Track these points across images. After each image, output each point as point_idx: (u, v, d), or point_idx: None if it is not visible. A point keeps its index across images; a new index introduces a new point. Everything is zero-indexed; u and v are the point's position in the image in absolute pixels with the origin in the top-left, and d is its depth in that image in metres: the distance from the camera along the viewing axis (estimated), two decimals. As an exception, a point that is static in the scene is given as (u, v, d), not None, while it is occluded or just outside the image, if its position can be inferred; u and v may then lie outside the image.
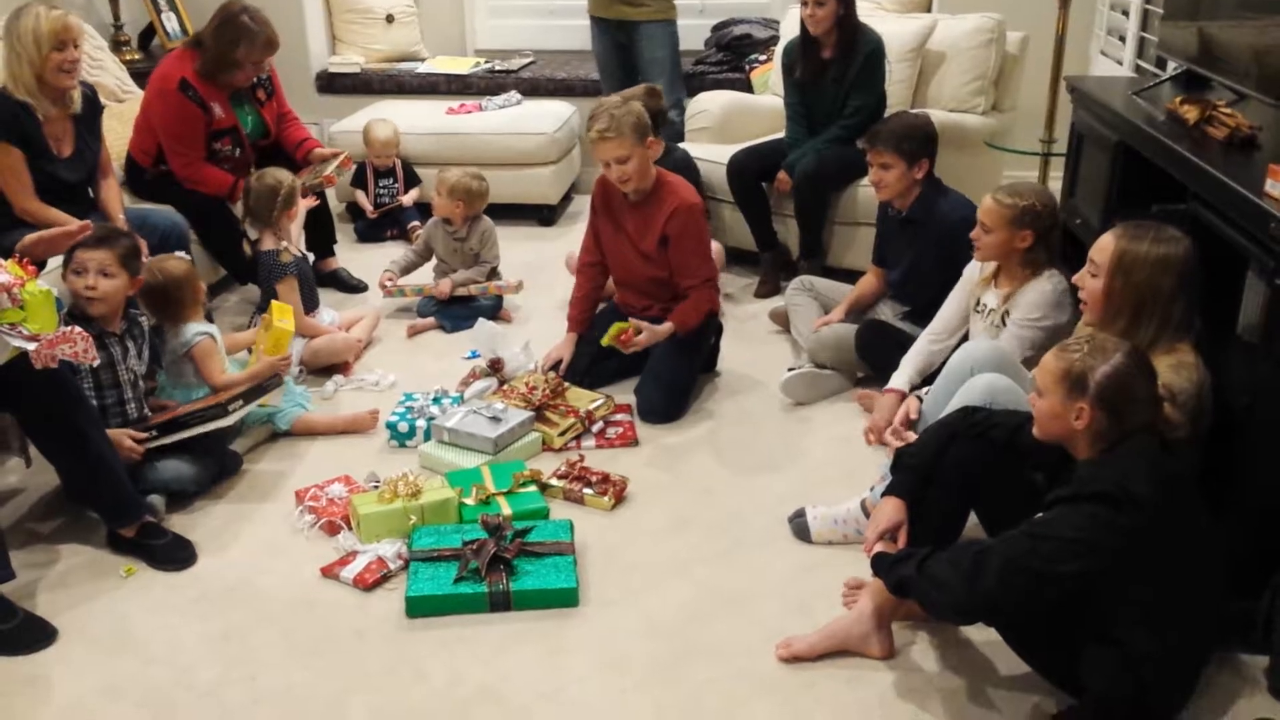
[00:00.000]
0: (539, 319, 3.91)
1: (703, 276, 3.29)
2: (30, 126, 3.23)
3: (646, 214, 3.27)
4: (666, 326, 3.27)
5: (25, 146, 3.23)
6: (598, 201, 3.43)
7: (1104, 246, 2.28)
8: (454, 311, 3.87)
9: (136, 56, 4.92)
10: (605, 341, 3.28)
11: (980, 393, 2.43)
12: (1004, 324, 2.79)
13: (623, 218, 3.35)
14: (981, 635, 2.24)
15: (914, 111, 3.46)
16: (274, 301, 3.24)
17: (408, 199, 4.79)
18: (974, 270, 2.98)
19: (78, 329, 2.37)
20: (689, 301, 3.28)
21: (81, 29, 3.30)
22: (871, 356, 3.25)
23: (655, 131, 3.28)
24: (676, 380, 3.28)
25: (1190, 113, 2.69)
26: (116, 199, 3.53)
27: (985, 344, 2.65)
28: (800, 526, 2.65)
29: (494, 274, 4.01)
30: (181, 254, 3.23)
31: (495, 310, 3.93)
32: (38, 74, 3.20)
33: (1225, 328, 2.38)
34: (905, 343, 3.15)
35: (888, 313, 3.45)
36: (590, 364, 3.41)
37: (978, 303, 2.93)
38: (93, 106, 3.45)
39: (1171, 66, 3.29)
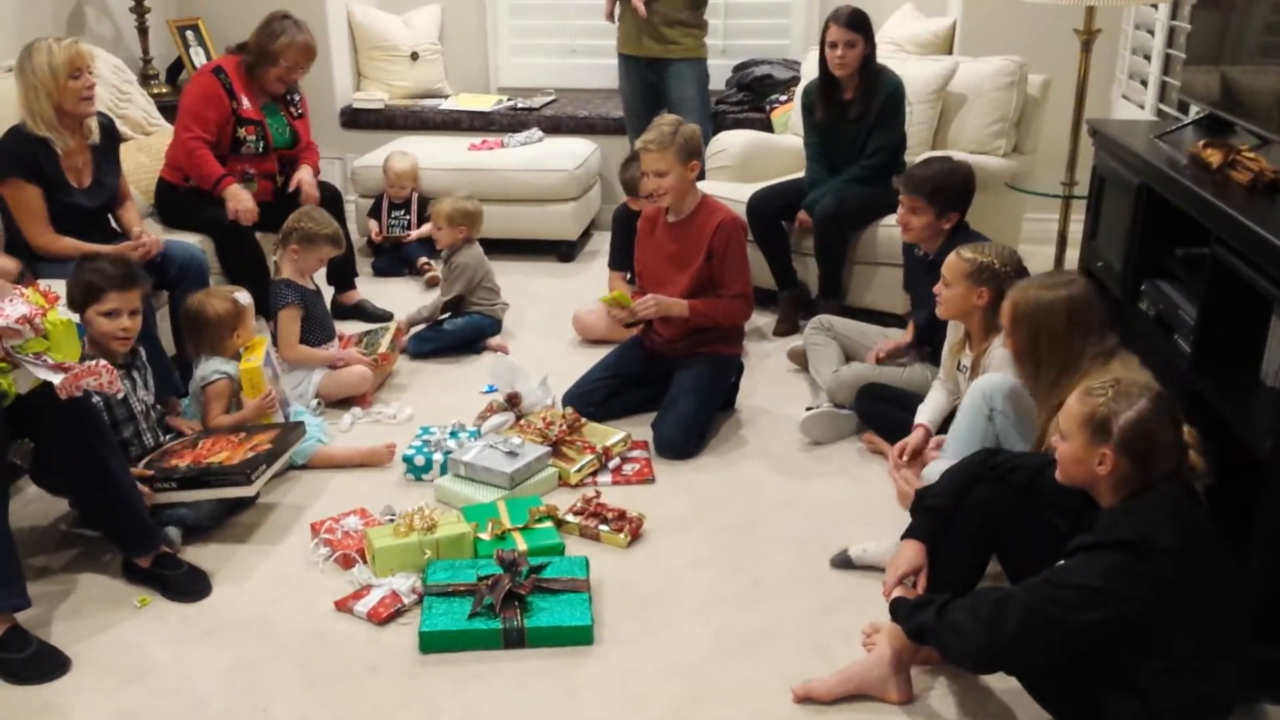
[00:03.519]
0: (555, 355, 3.91)
1: (737, 290, 3.31)
2: (47, 162, 3.26)
3: (691, 232, 3.31)
4: (681, 303, 3.30)
5: (42, 181, 3.27)
6: (643, 233, 3.47)
7: (1003, 306, 2.44)
8: (423, 332, 3.95)
9: (164, 90, 4.98)
10: (605, 300, 3.38)
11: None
12: None
13: (667, 242, 3.37)
14: (1001, 683, 2.21)
15: (958, 159, 3.44)
16: (254, 338, 3.26)
17: (414, 234, 4.83)
18: (953, 331, 3.00)
19: (103, 361, 2.39)
20: (718, 300, 3.31)
21: (92, 54, 3.35)
22: (872, 420, 3.26)
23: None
24: (696, 416, 3.27)
25: (1213, 157, 2.68)
26: (135, 216, 3.59)
27: (997, 377, 2.64)
28: (842, 558, 2.67)
29: (455, 305, 3.99)
30: (244, 296, 3.25)
31: (486, 331, 3.96)
32: (57, 105, 3.24)
33: (1249, 372, 2.37)
34: (894, 396, 3.19)
35: (913, 351, 3.44)
36: (606, 397, 3.41)
37: (959, 363, 2.94)
38: (110, 137, 3.51)
39: (1194, 111, 3.29)
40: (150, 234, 3.48)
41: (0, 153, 3.24)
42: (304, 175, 4.04)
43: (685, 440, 3.23)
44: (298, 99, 4.12)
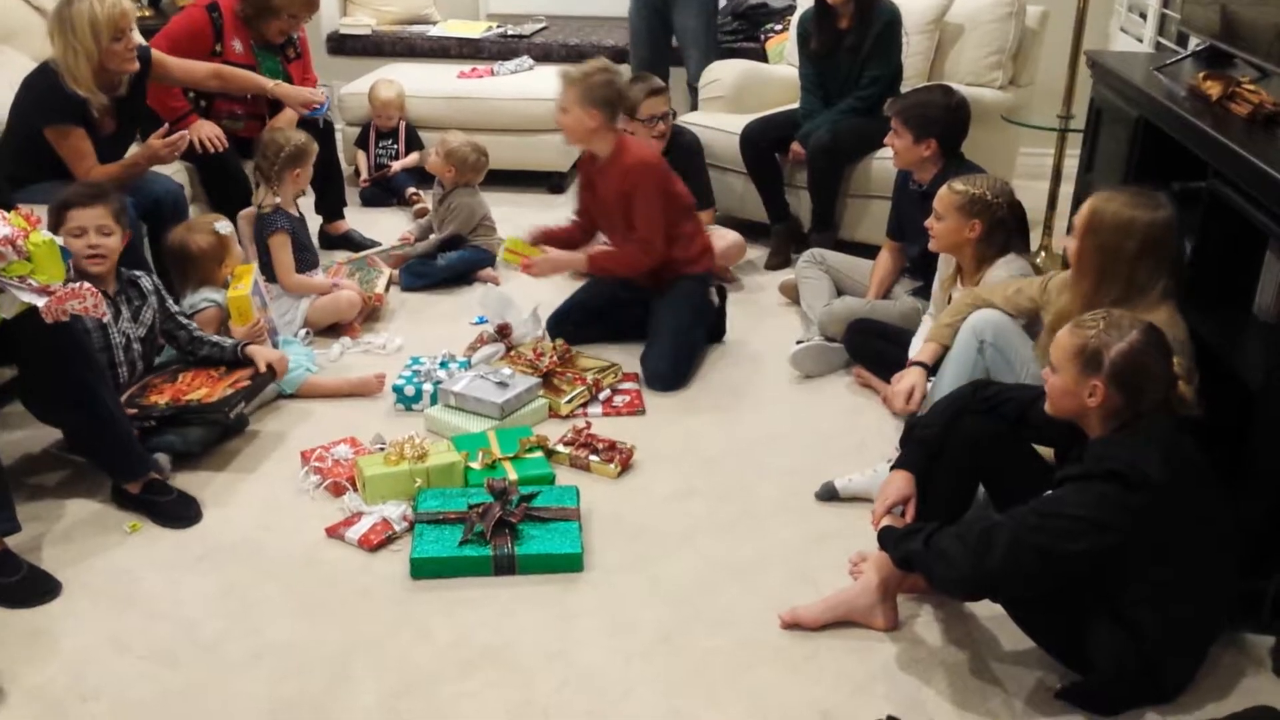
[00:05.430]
0: (545, 287, 3.86)
1: (640, 235, 3.25)
2: (86, 113, 3.19)
3: (609, 177, 3.28)
4: (578, 257, 3.33)
5: (85, 124, 3.20)
6: (582, 174, 3.44)
7: (1082, 208, 2.32)
8: (414, 266, 3.92)
9: (147, 14, 4.88)
10: (504, 258, 3.37)
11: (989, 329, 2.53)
12: None
13: (597, 183, 3.35)
14: (987, 610, 2.23)
15: (954, 88, 3.37)
16: (236, 267, 3.22)
17: (397, 165, 4.76)
18: (944, 264, 2.98)
19: (86, 284, 2.36)
20: (620, 249, 3.31)
21: (134, 11, 3.24)
22: (862, 355, 3.24)
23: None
24: (680, 348, 3.27)
25: (1213, 89, 2.65)
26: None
27: (988, 312, 2.62)
28: (828, 489, 2.67)
29: (450, 243, 3.96)
30: (223, 224, 3.21)
31: (477, 265, 3.95)
32: (97, 67, 3.13)
33: (1242, 307, 2.37)
34: (884, 331, 3.18)
35: (898, 290, 3.44)
36: (582, 321, 3.45)
37: (950, 297, 2.93)
38: (139, 80, 3.36)
39: (1193, 43, 3.25)
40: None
41: (44, 101, 3.15)
42: (279, 123, 3.86)
43: (673, 373, 3.23)
44: (296, 39, 4.02)
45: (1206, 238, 2.45)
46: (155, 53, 3.46)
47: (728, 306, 3.54)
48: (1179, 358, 2.07)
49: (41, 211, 2.58)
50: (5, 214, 2.29)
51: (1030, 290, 2.57)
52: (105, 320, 2.75)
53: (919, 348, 2.97)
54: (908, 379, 2.70)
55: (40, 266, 2.26)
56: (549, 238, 3.45)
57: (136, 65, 3.26)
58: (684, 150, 3.90)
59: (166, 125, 3.39)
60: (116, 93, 3.28)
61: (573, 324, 3.41)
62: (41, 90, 3.16)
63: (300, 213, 3.66)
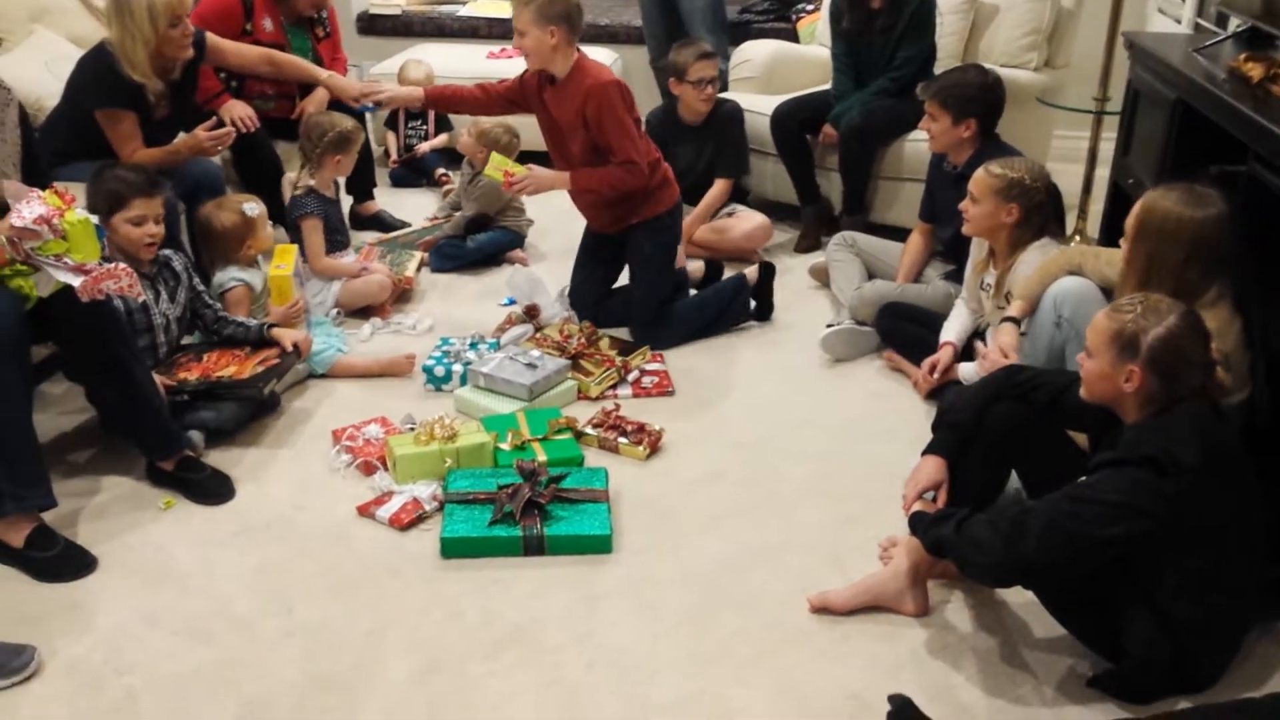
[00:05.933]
0: (567, 267, 3.88)
1: (622, 157, 3.19)
2: (141, 98, 3.21)
3: (567, 99, 3.20)
4: (563, 176, 3.26)
5: (137, 108, 3.22)
6: (532, 101, 3.33)
7: (1135, 206, 2.27)
8: (444, 248, 3.92)
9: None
10: (486, 172, 3.30)
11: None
12: (1008, 301, 2.74)
13: (551, 109, 3.27)
14: (1017, 596, 2.22)
15: (988, 68, 3.33)
16: (277, 246, 3.23)
17: (425, 146, 4.76)
18: (976, 248, 2.95)
19: (122, 265, 2.38)
20: (603, 170, 3.22)
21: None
22: (893, 340, 3.22)
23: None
24: (647, 309, 3.33)
25: (1254, 71, 2.61)
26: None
27: (1070, 282, 2.54)
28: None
29: (477, 223, 3.97)
30: (252, 206, 3.22)
31: (507, 246, 3.96)
32: (153, 52, 3.14)
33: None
34: (915, 314, 3.16)
35: (930, 274, 3.41)
36: (597, 299, 3.46)
37: (983, 281, 2.90)
38: (192, 64, 3.36)
39: (1233, 24, 3.19)
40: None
41: (99, 83, 3.17)
42: (310, 105, 3.88)
43: (652, 332, 3.32)
44: (325, 17, 4.02)
45: (1247, 222, 2.41)
46: (210, 37, 3.44)
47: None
48: (1222, 369, 2.03)
49: (78, 189, 2.60)
50: (41, 193, 2.31)
51: (1120, 265, 2.44)
52: (145, 301, 2.78)
53: (951, 331, 2.95)
54: (1003, 335, 2.63)
55: (76, 245, 2.28)
56: (441, 97, 3.48)
57: (192, 52, 3.26)
58: (724, 118, 3.91)
59: (214, 119, 3.39)
60: (170, 77, 3.29)
61: (589, 304, 3.43)
62: (96, 73, 3.18)
63: (336, 195, 3.68)
